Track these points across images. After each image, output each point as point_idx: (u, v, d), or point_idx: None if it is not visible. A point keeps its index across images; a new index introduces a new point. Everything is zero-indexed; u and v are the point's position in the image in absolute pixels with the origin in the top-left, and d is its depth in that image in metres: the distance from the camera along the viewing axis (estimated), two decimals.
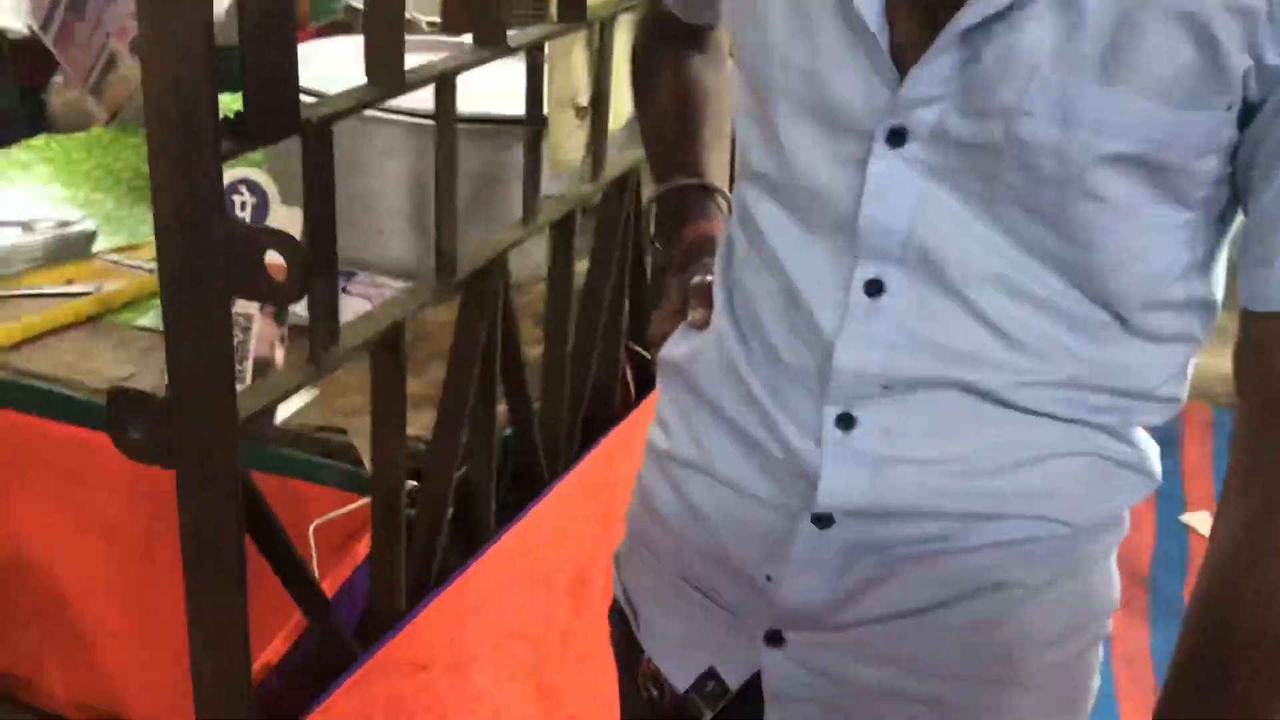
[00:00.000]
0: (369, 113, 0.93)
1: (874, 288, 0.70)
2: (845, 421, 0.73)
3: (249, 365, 1.10)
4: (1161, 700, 0.78)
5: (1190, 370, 0.77)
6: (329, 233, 0.85)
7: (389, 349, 1.00)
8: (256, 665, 1.01)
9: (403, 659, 1.08)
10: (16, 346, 1.35)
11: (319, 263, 0.83)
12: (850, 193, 0.69)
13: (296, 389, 0.90)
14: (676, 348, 0.84)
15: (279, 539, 0.94)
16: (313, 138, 0.83)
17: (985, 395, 0.71)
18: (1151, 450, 0.78)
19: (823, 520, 0.74)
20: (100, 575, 1.30)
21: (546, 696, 1.36)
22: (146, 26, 0.68)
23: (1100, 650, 0.84)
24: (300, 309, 0.91)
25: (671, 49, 0.98)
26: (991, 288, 0.69)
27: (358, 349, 0.94)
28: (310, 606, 1.01)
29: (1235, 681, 0.73)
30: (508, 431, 1.33)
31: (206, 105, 0.70)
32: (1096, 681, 0.86)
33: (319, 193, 0.84)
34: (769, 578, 0.77)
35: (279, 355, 1.14)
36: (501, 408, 1.28)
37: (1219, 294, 0.74)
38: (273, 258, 0.72)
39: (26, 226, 1.55)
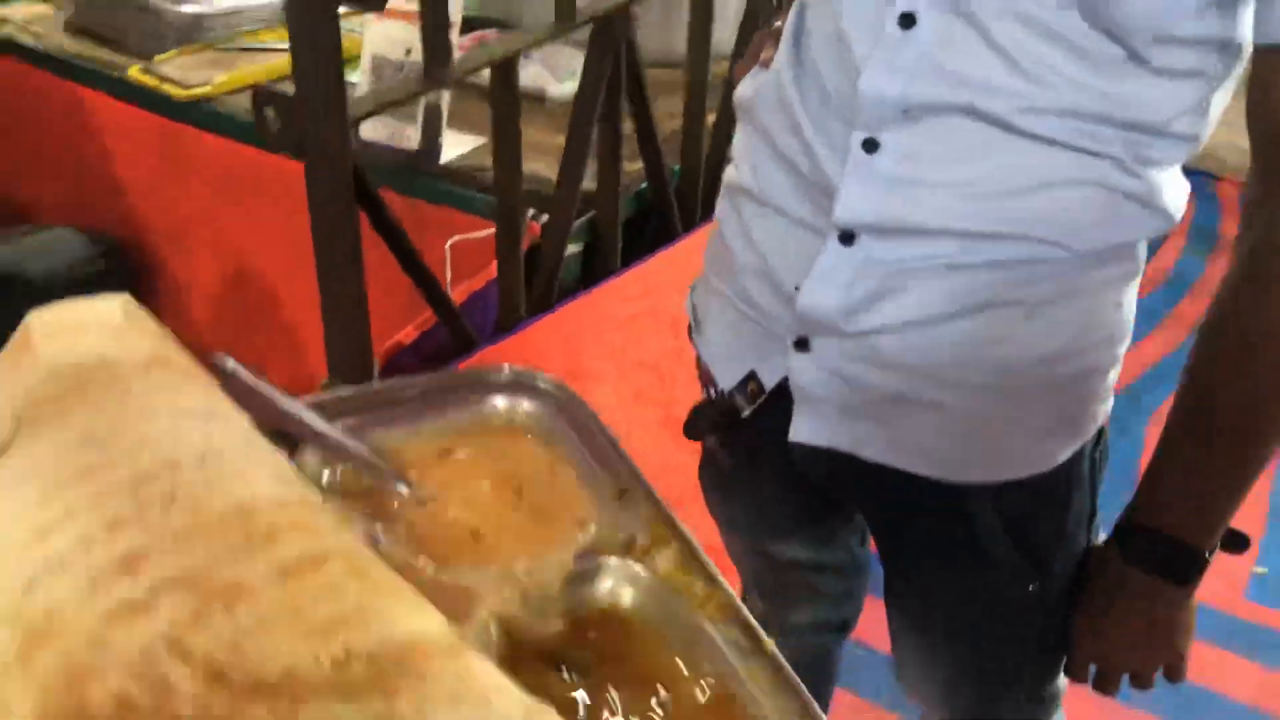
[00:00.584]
0: None
1: (907, 21, 0.79)
2: (870, 145, 0.83)
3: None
4: (1152, 460, 0.85)
5: (1214, 111, 0.80)
6: None
7: (505, 84, 1.16)
8: (389, 343, 1.22)
9: (518, 356, 1.27)
10: (242, 89, 1.60)
11: None
12: None
13: (406, 100, 1.08)
14: (745, 87, 0.95)
15: (403, 243, 1.13)
16: None
17: (993, 121, 0.79)
18: (1170, 188, 0.83)
19: (846, 237, 0.85)
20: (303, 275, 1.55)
21: (674, 425, 1.52)
22: None
23: (1110, 379, 0.91)
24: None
25: None
26: (1010, 18, 0.76)
27: (470, 71, 1.10)
28: (436, 303, 1.21)
29: (1222, 434, 0.80)
30: (644, 186, 1.48)
31: None
32: (1103, 409, 0.93)
33: None
34: (796, 288, 0.89)
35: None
36: (638, 165, 1.43)
37: (1246, 34, 0.77)
38: None
39: None
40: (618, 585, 0.52)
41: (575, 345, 1.35)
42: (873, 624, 1.14)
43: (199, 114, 1.57)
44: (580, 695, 0.47)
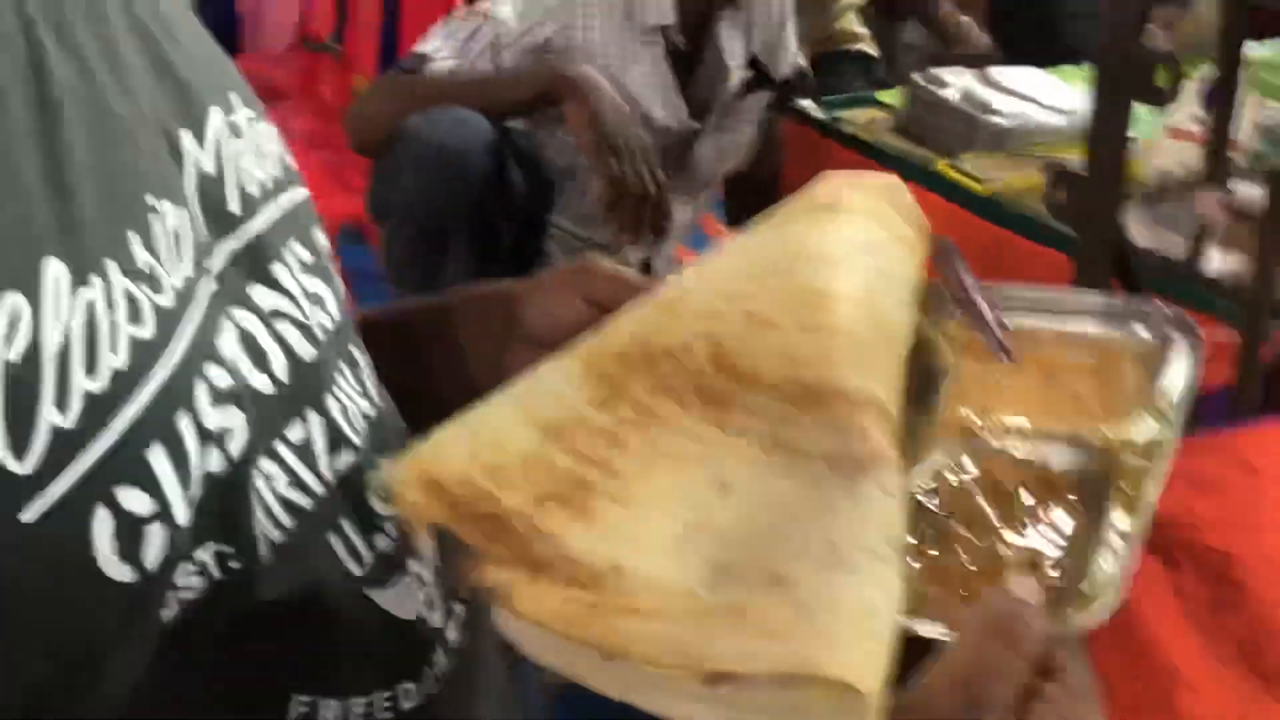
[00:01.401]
0: None
1: None
2: None
3: None
4: None
5: None
6: (1231, 75, 1.16)
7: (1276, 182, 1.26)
8: None
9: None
10: (1031, 191, 1.85)
11: (1219, 89, 1.15)
12: None
13: (1180, 193, 1.23)
14: None
15: None
16: None
17: None
18: None
19: None
20: None
21: None
22: None
23: None
24: None
25: None
26: None
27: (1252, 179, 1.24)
28: None
29: None
30: None
31: None
32: None
33: (1227, 39, 1.15)
34: None
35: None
36: None
37: None
38: None
39: (1066, 114, 2.03)
40: (1085, 465, 0.54)
41: None
42: None
43: (987, 206, 1.86)
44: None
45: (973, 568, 0.50)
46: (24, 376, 0.39)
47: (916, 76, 2.13)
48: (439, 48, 1.74)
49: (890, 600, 0.39)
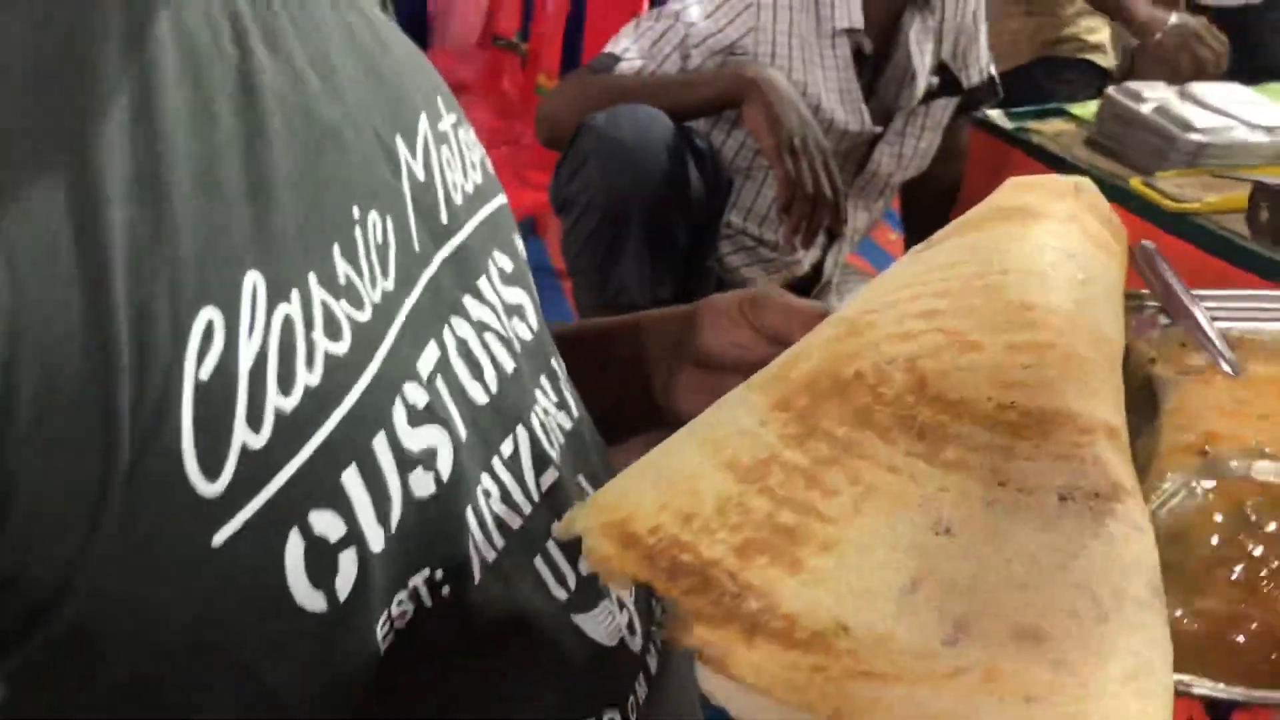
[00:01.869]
0: None
1: None
2: None
3: None
4: None
5: None
6: None
7: None
8: None
9: None
10: (1228, 212, 1.78)
11: None
12: None
13: None
14: None
15: None
16: None
17: None
18: None
19: None
20: None
21: None
22: None
23: None
24: None
25: None
26: None
27: None
28: None
29: None
30: None
31: None
32: None
33: None
34: None
35: None
36: None
37: None
38: None
39: (1268, 130, 1.95)
40: None
41: None
42: None
43: (1183, 226, 1.80)
44: None
45: (1241, 608, 0.44)
46: (215, 395, 0.37)
47: (1112, 90, 2.08)
48: (628, 48, 1.78)
49: (1163, 654, 0.35)
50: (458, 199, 0.54)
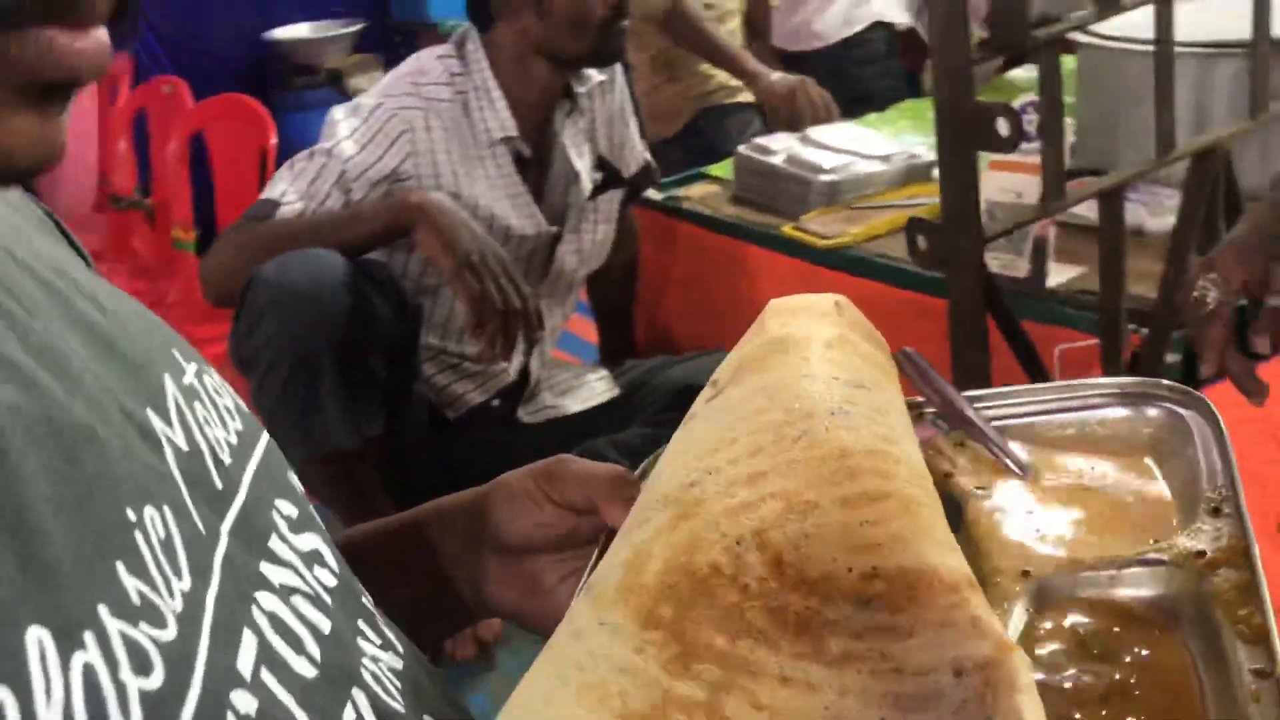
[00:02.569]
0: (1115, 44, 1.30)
1: None
2: None
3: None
4: None
5: None
6: (1055, 116, 1.29)
7: (1111, 212, 1.39)
8: None
9: None
10: (869, 240, 1.97)
11: (1046, 131, 1.27)
12: None
13: (1029, 222, 1.35)
14: None
15: (1024, 340, 1.39)
16: (1042, 52, 1.27)
17: None
18: None
19: None
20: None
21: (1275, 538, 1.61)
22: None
23: None
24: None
25: None
26: None
27: (1082, 199, 1.36)
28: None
29: None
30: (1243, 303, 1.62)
31: (961, 33, 1.18)
32: None
33: (1048, 87, 1.28)
34: None
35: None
36: None
37: None
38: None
39: (883, 159, 2.18)
40: (1166, 588, 0.50)
41: None
42: None
43: (836, 258, 1.96)
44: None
45: None
46: None
47: (743, 148, 2.25)
48: (285, 191, 1.75)
49: None
50: (225, 457, 0.50)
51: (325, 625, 0.49)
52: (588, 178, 1.95)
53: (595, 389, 2.09)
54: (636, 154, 2.09)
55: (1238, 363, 0.97)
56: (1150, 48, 1.39)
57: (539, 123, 1.87)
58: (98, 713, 0.35)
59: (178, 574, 0.42)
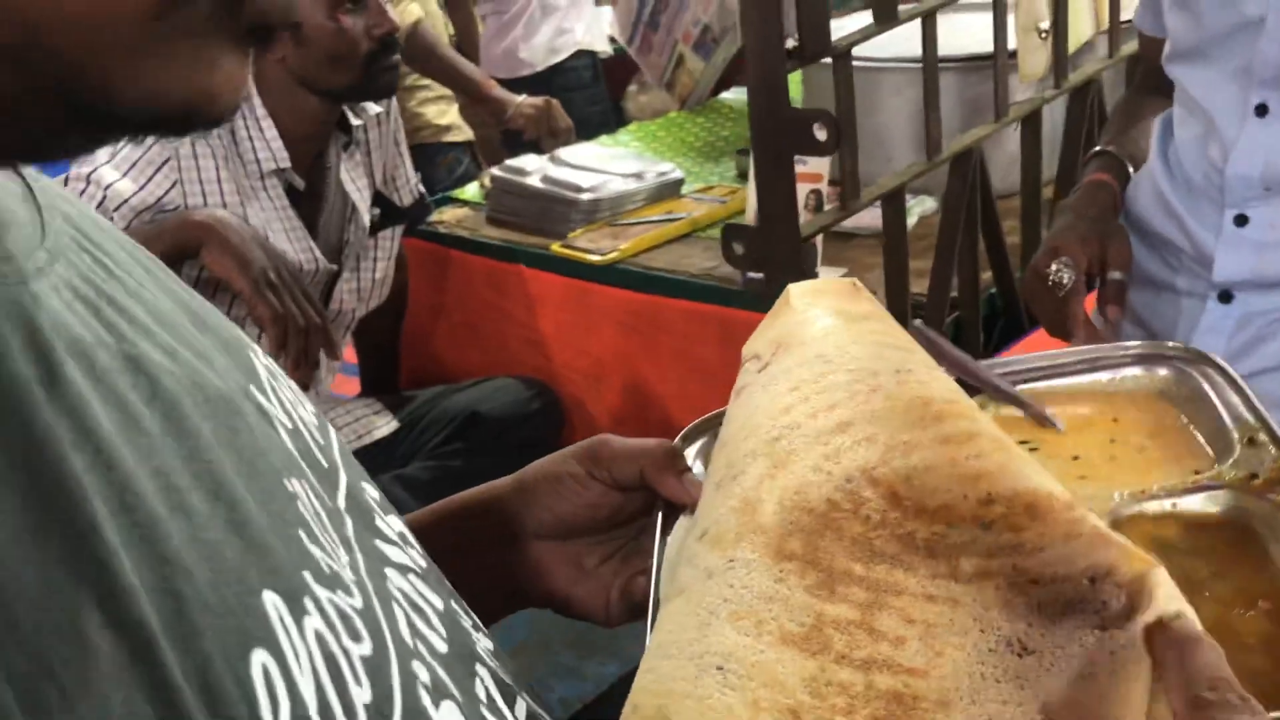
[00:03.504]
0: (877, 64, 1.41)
1: (1261, 110, 1.08)
2: (1240, 220, 1.12)
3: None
4: None
5: None
6: (850, 122, 1.39)
7: (895, 212, 1.52)
8: None
9: None
10: (637, 255, 2.03)
11: (844, 137, 1.37)
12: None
13: (832, 224, 1.45)
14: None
15: None
16: (839, 59, 1.37)
17: None
18: None
19: (1225, 296, 1.14)
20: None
21: None
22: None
23: None
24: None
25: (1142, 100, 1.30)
26: None
27: (870, 202, 1.47)
28: None
29: None
30: (993, 290, 1.80)
31: (776, 42, 1.25)
32: None
33: (843, 95, 1.38)
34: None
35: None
36: (988, 274, 1.75)
37: None
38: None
39: (636, 177, 2.24)
40: (1235, 506, 0.56)
41: None
42: None
43: (610, 274, 2.01)
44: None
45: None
46: None
47: (497, 170, 2.25)
48: None
49: None
50: (319, 437, 0.50)
51: (439, 603, 0.50)
52: (366, 213, 1.90)
53: (371, 423, 2.03)
54: (411, 186, 2.05)
55: (1098, 333, 1.09)
56: (917, 65, 1.52)
57: (313, 155, 1.80)
58: (338, 679, 0.37)
59: (335, 545, 0.43)
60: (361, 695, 0.38)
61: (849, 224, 1.65)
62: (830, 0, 1.43)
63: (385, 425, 2.02)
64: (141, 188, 1.61)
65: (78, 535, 0.33)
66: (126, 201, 1.61)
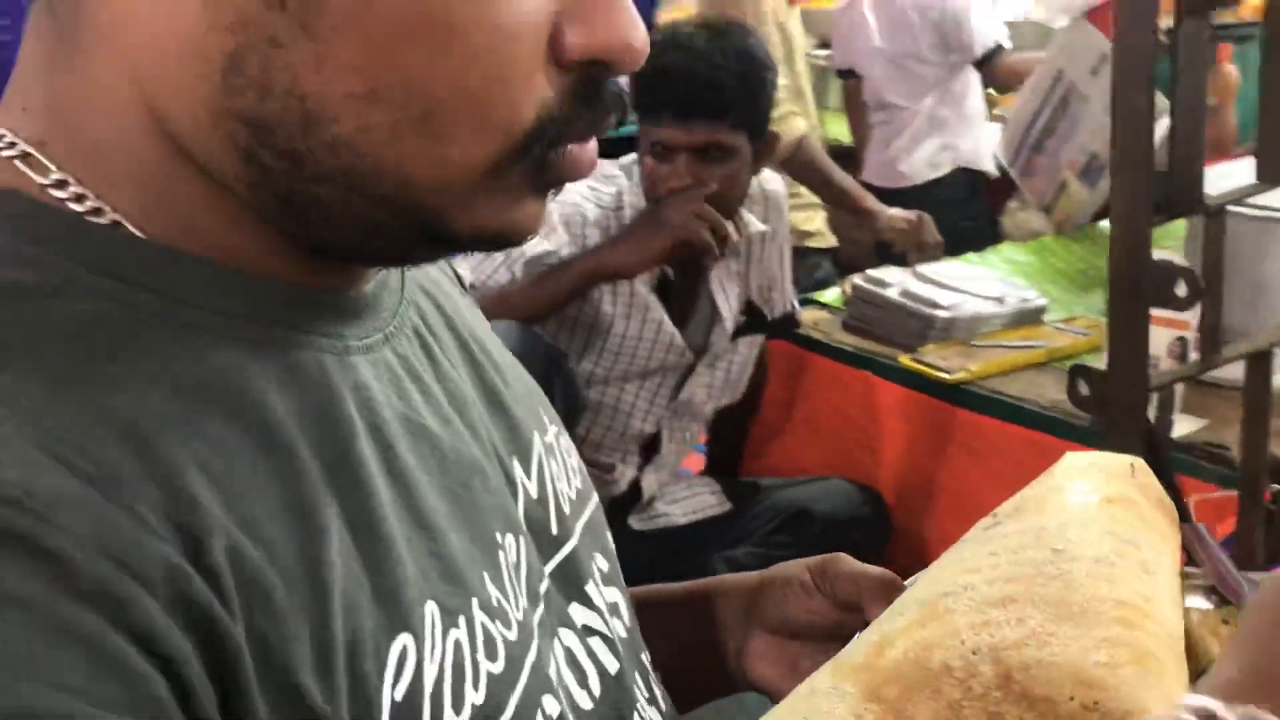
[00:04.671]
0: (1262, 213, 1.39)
1: None
2: None
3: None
4: None
5: None
6: (1216, 276, 1.38)
7: (1259, 374, 1.48)
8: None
9: None
10: (987, 377, 2.06)
11: (1208, 293, 1.36)
12: None
13: (1187, 377, 1.44)
14: None
15: (1171, 483, 1.46)
16: (1211, 216, 1.37)
17: None
18: None
19: None
20: None
21: None
22: (1117, 148, 1.29)
23: None
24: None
25: None
26: None
27: (1233, 359, 1.45)
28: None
29: None
30: None
31: (1145, 198, 1.28)
32: None
33: (1211, 251, 1.38)
34: None
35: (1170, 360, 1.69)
36: None
37: None
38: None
39: (997, 300, 2.28)
40: None
41: None
42: None
43: (957, 393, 2.05)
44: None
45: None
46: (405, 715, 0.44)
47: (858, 279, 2.35)
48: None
49: None
50: (566, 508, 0.62)
51: (613, 667, 0.60)
52: (730, 320, 2.04)
53: (706, 501, 2.16)
54: (785, 300, 2.19)
55: None
56: None
57: (691, 259, 1.94)
58: (458, 678, 0.47)
59: (521, 593, 0.54)
60: (474, 697, 0.48)
61: (1218, 373, 1.62)
62: (1203, 150, 1.43)
63: (717, 504, 2.15)
64: (548, 250, 1.83)
65: (308, 515, 0.45)
66: (526, 254, 1.82)
